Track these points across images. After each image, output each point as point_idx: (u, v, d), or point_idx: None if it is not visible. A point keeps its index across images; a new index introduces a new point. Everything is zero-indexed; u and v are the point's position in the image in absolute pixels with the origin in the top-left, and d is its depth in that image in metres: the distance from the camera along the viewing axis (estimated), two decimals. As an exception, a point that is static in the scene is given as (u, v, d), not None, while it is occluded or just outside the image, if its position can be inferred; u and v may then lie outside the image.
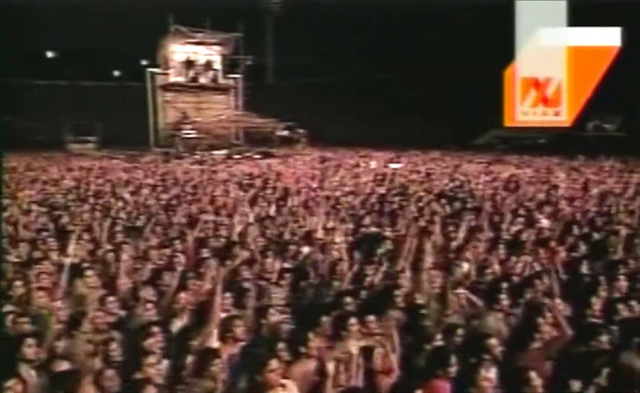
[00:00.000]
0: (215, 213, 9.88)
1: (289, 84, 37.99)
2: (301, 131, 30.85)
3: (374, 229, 8.38)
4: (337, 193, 12.15)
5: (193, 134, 28.29)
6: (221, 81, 31.66)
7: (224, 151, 27.08)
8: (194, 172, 18.13)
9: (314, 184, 13.52)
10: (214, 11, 28.98)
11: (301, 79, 37.77)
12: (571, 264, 6.73)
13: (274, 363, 3.73)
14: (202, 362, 3.81)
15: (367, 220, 9.09)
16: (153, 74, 30.36)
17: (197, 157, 24.77)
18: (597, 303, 5.02)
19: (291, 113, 31.38)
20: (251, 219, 8.72)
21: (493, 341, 4.03)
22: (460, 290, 5.31)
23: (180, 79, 30.44)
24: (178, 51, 30.30)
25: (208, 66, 31.05)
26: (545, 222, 9.12)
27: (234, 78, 32.19)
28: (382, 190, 12.98)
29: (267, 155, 26.57)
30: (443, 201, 11.55)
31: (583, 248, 7.63)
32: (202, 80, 30.93)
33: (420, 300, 5.25)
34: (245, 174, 16.71)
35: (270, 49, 41.48)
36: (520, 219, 9.42)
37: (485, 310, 4.94)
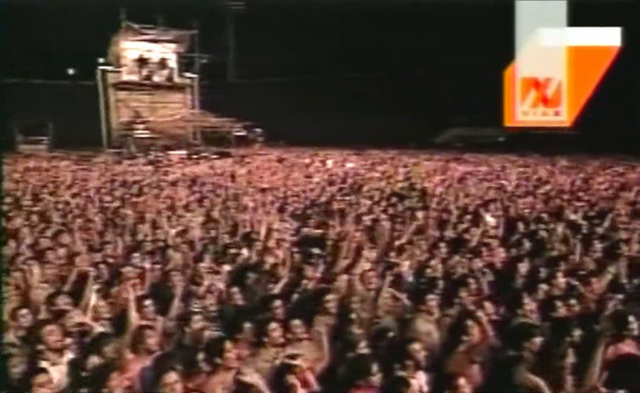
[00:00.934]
0: (158, 215, 9.50)
1: (249, 83, 37.55)
2: (258, 130, 30.49)
3: (316, 230, 8.15)
4: (287, 193, 11.91)
5: (146, 134, 27.51)
6: (177, 79, 30.93)
7: (179, 152, 26.47)
8: (144, 173, 17.57)
9: (264, 185, 13.25)
10: (171, 8, 28.33)
11: (261, 78, 37.40)
12: (511, 262, 6.65)
13: (170, 377, 3.46)
14: (98, 378, 3.49)
15: (312, 221, 8.87)
16: (104, 71, 29.39)
17: (150, 157, 24.09)
18: (530, 304, 4.90)
19: (250, 112, 30.96)
20: (192, 221, 8.38)
21: (416, 346, 3.84)
22: (389, 289, 5.12)
23: (133, 78, 29.58)
24: (130, 48, 29.43)
25: (162, 64, 30.27)
26: (491, 220, 9.09)
27: (190, 77, 31.49)
28: (334, 189, 12.81)
29: (224, 155, 26.13)
30: (394, 199, 11.47)
31: (527, 245, 7.61)
32: (157, 78, 30.15)
33: (353, 303, 5.02)
34: (195, 175, 16.28)
35: (229, 47, 40.91)
36: (468, 217, 9.39)
37: (413, 311, 4.76)
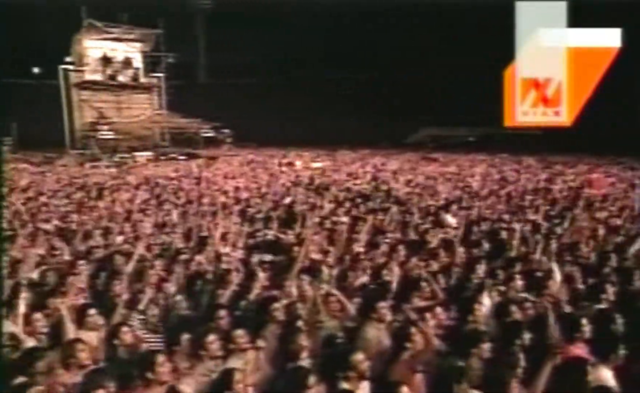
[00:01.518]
0: (111, 220, 9.19)
1: (218, 84, 37.09)
2: (227, 131, 30.07)
3: (273, 233, 7.96)
4: (250, 196, 11.69)
5: (111, 135, 26.82)
6: (142, 79, 30.23)
7: (146, 153, 25.93)
8: (105, 175, 17.14)
9: (227, 187, 12.99)
10: (137, 6, 27.72)
11: (231, 78, 36.99)
12: (469, 263, 6.56)
13: None
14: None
15: (272, 224, 8.65)
16: (66, 71, 28.52)
17: (115, 159, 23.52)
18: (481, 308, 4.80)
19: (220, 113, 30.52)
20: (145, 227, 8.10)
21: (360, 356, 3.68)
22: (335, 291, 4.96)
23: (97, 77, 28.79)
24: (93, 46, 28.63)
25: (127, 63, 29.55)
26: (452, 221, 9.04)
27: (156, 76, 30.84)
28: (299, 191, 12.63)
29: (192, 157, 25.73)
30: (359, 200, 11.35)
31: (486, 246, 7.55)
32: (121, 78, 29.38)
33: (302, 310, 4.84)
34: (157, 178, 15.92)
35: (198, 46, 40.37)
36: (430, 218, 9.32)
37: (361, 318, 4.60)
